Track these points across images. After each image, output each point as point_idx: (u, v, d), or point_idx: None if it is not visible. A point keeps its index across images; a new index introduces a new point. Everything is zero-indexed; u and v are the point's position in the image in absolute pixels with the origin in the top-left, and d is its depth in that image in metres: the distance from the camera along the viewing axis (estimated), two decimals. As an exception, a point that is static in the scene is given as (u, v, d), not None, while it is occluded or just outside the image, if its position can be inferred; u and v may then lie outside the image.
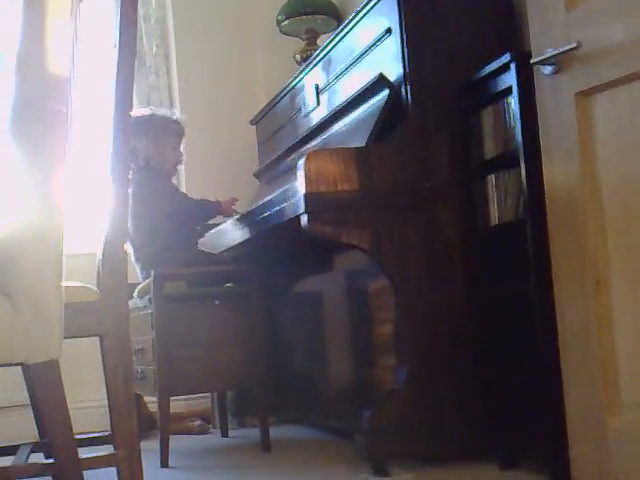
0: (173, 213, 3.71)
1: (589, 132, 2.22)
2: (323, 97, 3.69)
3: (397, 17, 2.88)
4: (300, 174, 2.72)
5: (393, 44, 2.93)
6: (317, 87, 3.72)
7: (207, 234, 4.09)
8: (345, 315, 3.54)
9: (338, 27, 3.48)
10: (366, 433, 2.69)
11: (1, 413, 4.29)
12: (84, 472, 1.77)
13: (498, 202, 2.70)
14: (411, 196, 2.79)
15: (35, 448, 2.75)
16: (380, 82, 2.98)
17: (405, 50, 2.86)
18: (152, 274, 3.42)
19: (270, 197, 3.25)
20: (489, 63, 2.68)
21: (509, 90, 2.59)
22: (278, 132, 4.35)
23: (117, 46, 2.04)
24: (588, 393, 2.25)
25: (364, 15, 3.14)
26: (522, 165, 2.51)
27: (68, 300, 1.74)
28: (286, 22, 4.59)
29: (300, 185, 2.74)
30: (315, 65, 3.73)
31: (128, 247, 3.62)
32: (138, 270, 3.73)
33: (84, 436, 2.63)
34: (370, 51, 3.13)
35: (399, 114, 2.90)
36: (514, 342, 2.66)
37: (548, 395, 2.42)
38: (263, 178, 4.48)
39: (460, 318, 2.83)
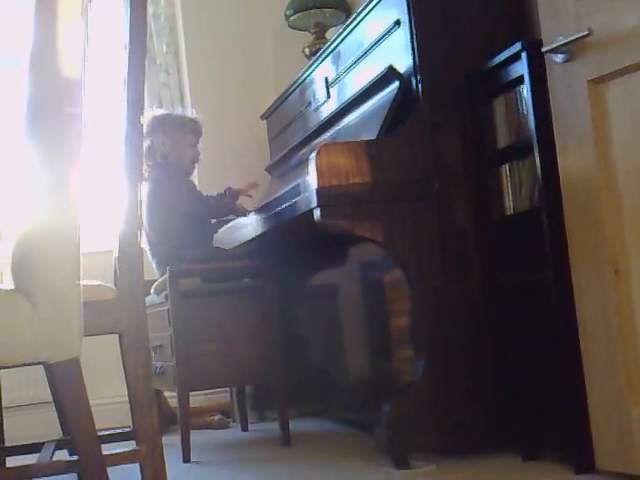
0: (188, 212, 3.72)
1: (603, 119, 2.22)
2: (333, 90, 3.69)
3: (406, 8, 2.87)
4: (312, 168, 2.73)
5: (402, 36, 2.93)
6: (327, 80, 3.72)
7: (221, 230, 4.10)
8: (361, 308, 3.55)
9: (347, 20, 3.48)
10: (386, 426, 2.69)
11: (25, 411, 4.33)
12: (107, 469, 1.78)
13: (513, 191, 2.69)
14: (424, 187, 2.79)
15: (59, 445, 2.76)
16: (390, 74, 2.98)
17: (414, 41, 2.86)
18: (167, 271, 3.43)
19: (282, 192, 3.25)
20: (500, 52, 2.68)
21: (521, 79, 2.58)
22: (289, 126, 4.35)
23: (127, 45, 2.04)
24: (610, 383, 2.25)
25: (373, 7, 3.14)
26: (536, 154, 2.50)
27: (86, 299, 1.74)
28: (294, 16, 4.59)
29: (312, 179, 2.74)
30: (324, 59, 3.73)
31: (144, 244, 3.66)
32: (154, 266, 3.76)
33: (107, 433, 2.65)
34: (379, 43, 3.13)
35: (410, 106, 2.89)
36: (532, 332, 2.66)
37: (569, 385, 2.41)
38: (275, 173, 4.48)
39: (476, 309, 2.83)
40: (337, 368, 3.82)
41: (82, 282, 1.71)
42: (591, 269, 2.28)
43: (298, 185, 3.01)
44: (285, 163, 4.26)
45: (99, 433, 1.75)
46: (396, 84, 2.96)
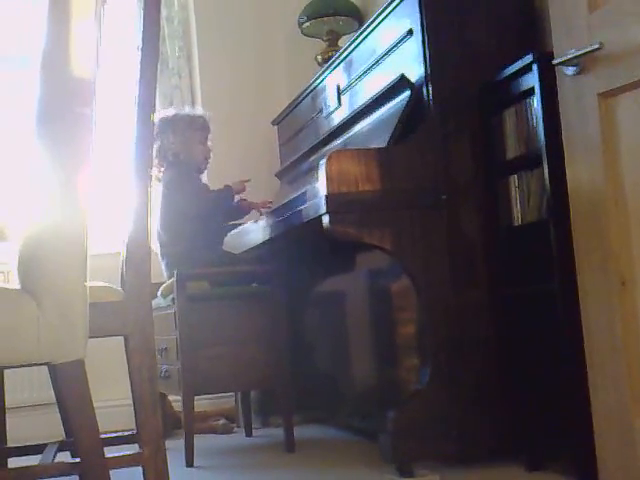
0: (197, 216, 3.72)
1: (612, 132, 2.21)
2: (344, 98, 3.70)
3: (418, 18, 2.88)
4: (322, 174, 2.73)
5: (414, 45, 2.93)
6: (338, 88, 3.73)
7: (230, 234, 4.11)
8: (368, 315, 3.55)
9: (359, 28, 3.49)
10: (390, 434, 2.69)
11: (28, 412, 4.34)
12: (110, 471, 1.78)
13: (521, 202, 2.70)
14: (433, 196, 2.79)
15: (62, 447, 2.76)
16: (401, 83, 2.99)
17: (426, 51, 2.86)
18: (175, 274, 3.44)
19: (292, 197, 3.25)
20: (511, 64, 2.68)
21: (531, 91, 2.59)
22: (299, 132, 4.36)
23: (140, 47, 2.05)
24: (614, 394, 2.24)
25: (386, 16, 3.14)
26: (545, 165, 2.51)
27: (92, 300, 1.74)
28: (308, 23, 4.59)
29: (322, 185, 2.74)
30: (337, 66, 3.73)
31: (155, 244, 3.66)
32: (163, 267, 3.75)
33: (110, 435, 2.65)
34: (391, 52, 3.13)
35: (420, 115, 2.90)
36: (538, 342, 2.65)
37: (574, 396, 2.41)
38: (284, 178, 4.49)
39: (483, 318, 2.83)
40: (343, 375, 3.82)
41: (89, 283, 1.72)
42: (597, 280, 2.27)
43: (308, 191, 3.02)
44: (295, 169, 4.27)
45: (102, 435, 1.75)
46: (407, 93, 2.96)
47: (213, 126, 3.98)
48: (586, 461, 2.36)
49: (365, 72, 3.41)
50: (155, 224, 3.72)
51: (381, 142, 2.92)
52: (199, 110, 4.09)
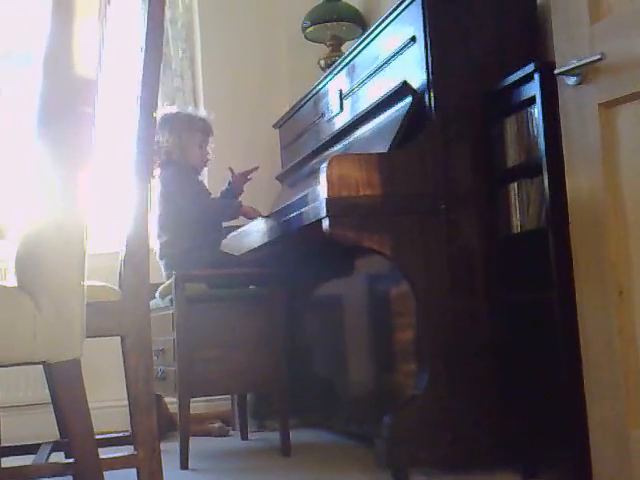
0: (197, 216, 3.70)
1: (612, 142, 2.22)
2: (347, 103, 3.70)
3: (422, 26, 2.89)
4: (322, 178, 2.73)
5: (417, 52, 2.94)
6: (341, 93, 3.73)
7: (229, 236, 4.10)
8: (366, 320, 3.54)
9: (363, 34, 3.49)
10: (386, 439, 2.68)
11: (22, 411, 4.32)
12: (104, 472, 1.78)
13: (520, 210, 2.70)
14: (433, 202, 2.80)
15: (56, 447, 2.75)
16: (403, 89, 2.99)
17: (429, 58, 2.87)
18: (173, 275, 3.43)
19: (292, 200, 3.26)
20: (513, 73, 2.69)
21: (532, 100, 2.59)
22: (301, 136, 4.36)
23: (143, 49, 2.05)
24: (610, 404, 2.24)
25: (389, 23, 3.15)
26: (545, 174, 2.51)
27: (90, 299, 1.74)
28: (311, 28, 4.61)
29: (322, 189, 2.75)
30: (339, 71, 3.74)
31: (154, 244, 3.65)
32: (162, 267, 3.74)
33: (104, 436, 2.64)
34: (394, 58, 3.14)
35: (422, 121, 2.90)
36: (536, 350, 2.65)
37: (570, 405, 2.41)
38: (285, 181, 4.49)
39: (481, 325, 2.83)
40: (340, 379, 3.82)
41: (87, 283, 1.71)
42: (595, 290, 2.27)
43: (308, 194, 3.02)
44: (296, 172, 4.27)
45: (97, 436, 1.75)
46: (409, 99, 2.97)
47: (214, 129, 3.96)
48: (581, 470, 2.36)
49: (367, 78, 3.42)
50: (153, 222, 3.69)
51: (382, 147, 2.93)
52: (202, 112, 4.04)
